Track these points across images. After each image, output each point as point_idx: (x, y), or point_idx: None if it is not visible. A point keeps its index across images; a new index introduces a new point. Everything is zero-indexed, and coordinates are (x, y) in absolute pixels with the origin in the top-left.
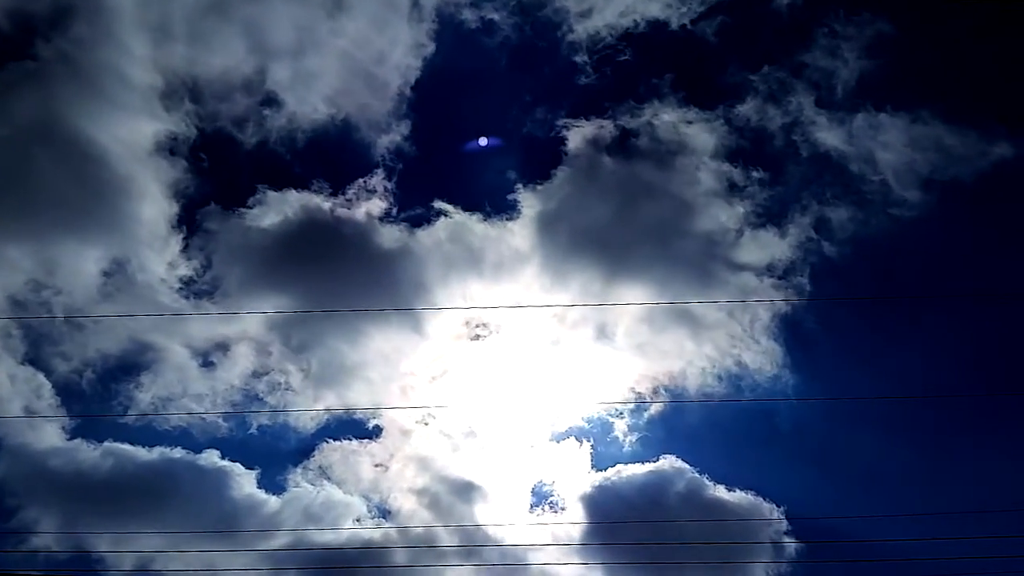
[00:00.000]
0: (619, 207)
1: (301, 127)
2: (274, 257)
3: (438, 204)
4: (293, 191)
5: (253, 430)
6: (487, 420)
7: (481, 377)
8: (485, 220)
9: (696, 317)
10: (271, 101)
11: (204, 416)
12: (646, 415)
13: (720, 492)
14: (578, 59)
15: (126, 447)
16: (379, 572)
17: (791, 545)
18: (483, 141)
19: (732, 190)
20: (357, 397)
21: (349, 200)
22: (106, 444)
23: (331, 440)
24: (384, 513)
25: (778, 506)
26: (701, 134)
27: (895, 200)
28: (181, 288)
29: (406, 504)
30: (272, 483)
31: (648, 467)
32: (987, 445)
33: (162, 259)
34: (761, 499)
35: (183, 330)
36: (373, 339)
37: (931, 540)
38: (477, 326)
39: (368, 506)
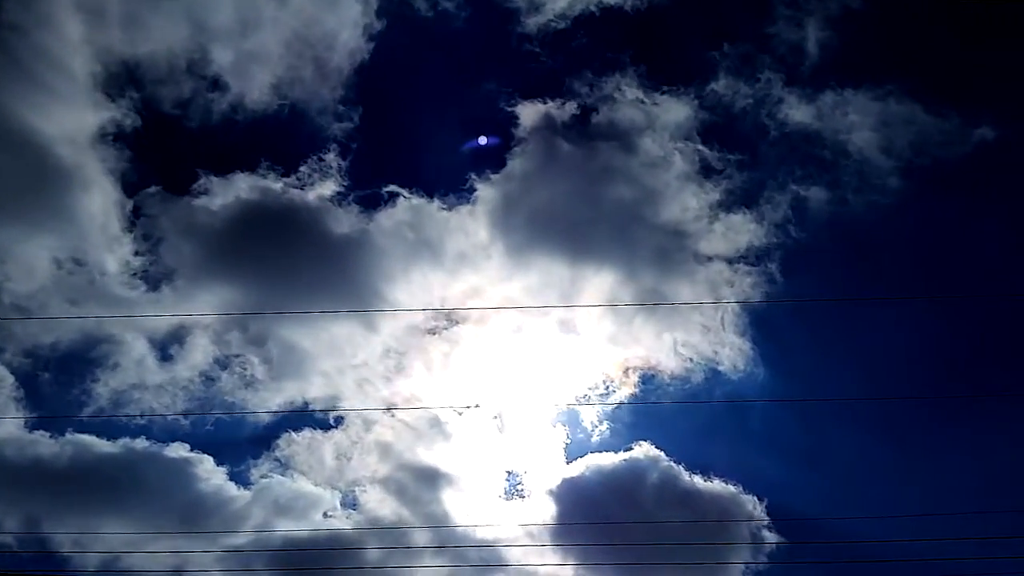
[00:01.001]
0: (581, 191)
1: (248, 111)
2: (227, 243)
3: (393, 189)
4: (242, 176)
5: (216, 422)
6: (455, 411)
7: (446, 366)
8: (442, 205)
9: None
10: (216, 84)
11: (170, 407)
12: (619, 402)
13: (695, 480)
14: (534, 41)
15: (90, 439)
16: (351, 564)
17: (766, 530)
18: (482, 140)
19: (699, 171)
20: (324, 387)
21: (301, 185)
22: (68, 436)
23: (298, 431)
24: (354, 505)
25: (760, 499)
26: (663, 114)
27: (871, 184)
28: (133, 276)
29: (376, 496)
30: (241, 475)
31: (622, 456)
32: (963, 438)
33: (112, 248)
34: (738, 488)
35: (141, 319)
36: (332, 329)
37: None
38: (437, 318)
39: (338, 498)
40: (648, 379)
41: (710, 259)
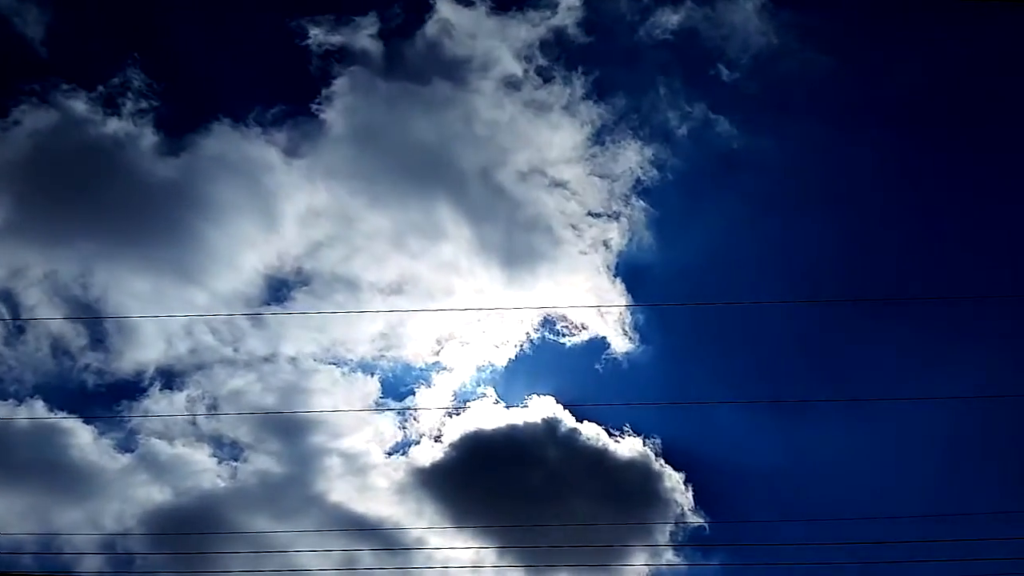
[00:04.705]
0: (422, 126)
1: (28, 36)
2: (36, 180)
3: (209, 125)
4: (37, 110)
5: (79, 384)
6: (329, 365)
7: (320, 318)
8: (269, 142)
9: (556, 244)
10: None
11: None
12: (516, 355)
13: (597, 433)
14: None
15: None
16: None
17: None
18: None
19: (565, 100)
20: (178, 345)
21: (106, 114)
22: None
23: (147, 393)
24: (234, 473)
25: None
26: (509, 36)
27: (751, 103)
28: None
29: (252, 456)
30: (112, 437)
31: (518, 412)
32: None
33: None
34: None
35: None
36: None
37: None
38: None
39: (216, 458)
40: (549, 327)
41: (576, 196)
